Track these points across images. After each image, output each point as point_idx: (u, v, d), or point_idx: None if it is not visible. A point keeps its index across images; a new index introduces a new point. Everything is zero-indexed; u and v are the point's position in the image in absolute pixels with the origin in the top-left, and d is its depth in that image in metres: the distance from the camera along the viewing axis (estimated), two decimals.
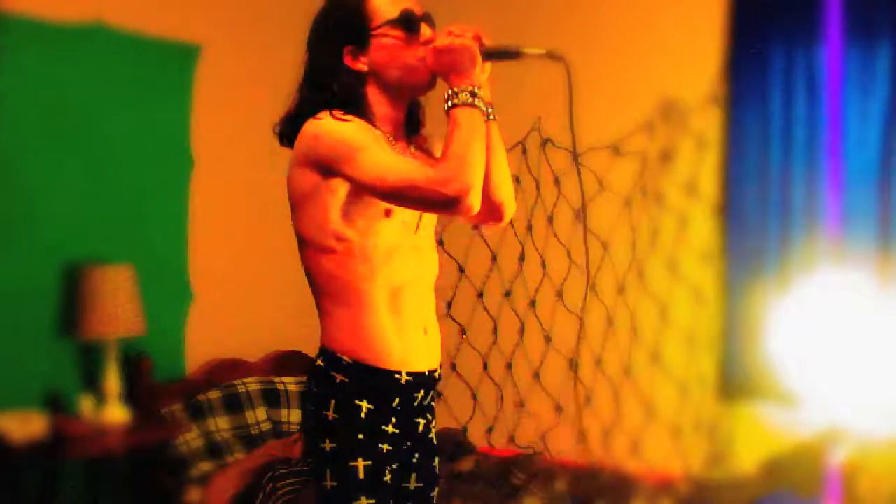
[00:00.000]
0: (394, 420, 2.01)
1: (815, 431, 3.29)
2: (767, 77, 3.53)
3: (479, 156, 1.88)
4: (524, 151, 4.05)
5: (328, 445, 1.97)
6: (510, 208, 2.17)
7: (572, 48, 3.97)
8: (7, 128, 3.24)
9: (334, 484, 1.96)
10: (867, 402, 3.27)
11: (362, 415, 1.97)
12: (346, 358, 1.98)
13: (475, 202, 1.87)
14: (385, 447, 1.99)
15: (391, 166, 1.87)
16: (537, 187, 4.04)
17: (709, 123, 3.72)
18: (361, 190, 1.91)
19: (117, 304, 3.27)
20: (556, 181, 3.99)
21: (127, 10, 3.51)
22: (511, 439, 4.12)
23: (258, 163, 3.82)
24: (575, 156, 2.23)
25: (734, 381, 3.62)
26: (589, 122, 3.86)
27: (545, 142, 4.00)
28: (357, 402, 1.97)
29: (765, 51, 3.53)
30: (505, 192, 2.14)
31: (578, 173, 2.27)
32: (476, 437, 4.13)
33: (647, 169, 3.85)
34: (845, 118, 3.38)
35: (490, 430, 4.18)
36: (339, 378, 1.98)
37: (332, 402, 1.97)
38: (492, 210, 2.11)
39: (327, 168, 1.91)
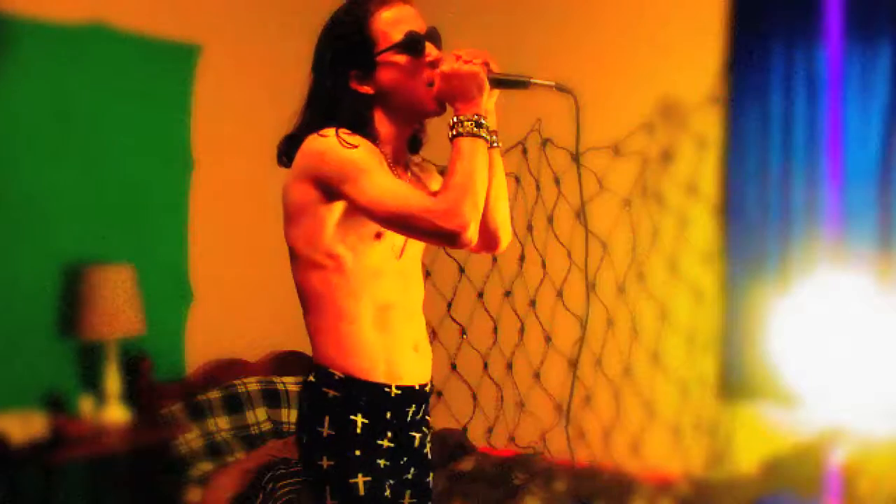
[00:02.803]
0: (389, 434, 2.01)
1: (815, 431, 3.29)
2: (767, 77, 3.53)
3: (479, 189, 1.88)
4: (524, 151, 4.05)
5: (325, 463, 1.96)
6: (506, 237, 2.16)
7: (573, 48, 4.01)
8: (7, 128, 3.24)
9: (335, 502, 1.96)
10: (867, 402, 3.27)
11: (357, 430, 1.97)
12: (337, 373, 1.97)
13: (473, 236, 1.87)
14: (382, 462, 1.99)
15: (392, 192, 1.87)
16: (537, 187, 4.04)
17: (709, 123, 3.72)
18: (359, 212, 1.90)
19: (117, 304, 3.27)
20: (557, 181, 3.99)
21: (127, 10, 3.51)
22: (511, 439, 4.12)
23: (258, 163, 3.81)
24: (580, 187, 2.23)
25: (734, 381, 3.62)
26: (589, 121, 3.89)
27: (545, 142, 4.01)
28: (351, 416, 1.96)
29: (765, 51, 3.53)
30: (501, 220, 2.13)
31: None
32: (476, 437, 4.13)
33: (647, 169, 3.85)
34: (845, 118, 3.38)
35: (490, 430, 4.19)
36: (331, 393, 1.97)
37: (327, 418, 1.97)
38: (487, 238, 2.11)
39: (328, 186, 1.90)
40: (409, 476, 2.08)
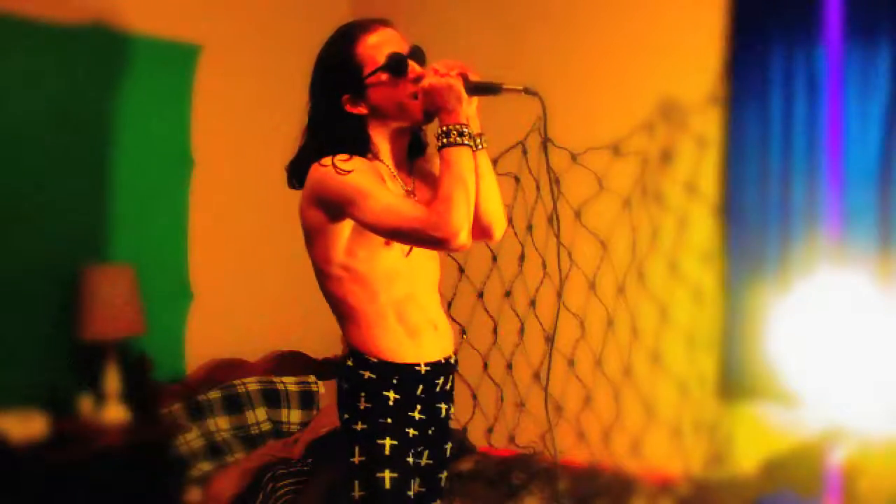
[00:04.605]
0: (419, 407, 2.21)
1: (815, 431, 3.29)
2: (767, 77, 3.53)
3: (468, 196, 2.04)
4: (524, 151, 4.05)
5: (359, 426, 2.17)
6: (500, 227, 2.35)
7: (573, 48, 4.01)
8: (7, 128, 3.24)
9: (362, 459, 2.16)
10: (867, 402, 3.27)
11: (390, 403, 2.17)
12: (372, 358, 2.17)
13: (465, 241, 2.04)
14: (411, 432, 2.20)
15: (390, 210, 2.04)
16: (537, 187, 4.04)
17: (709, 123, 3.71)
18: (365, 228, 2.09)
19: (117, 304, 3.28)
20: (557, 181, 3.99)
21: (127, 10, 3.51)
22: (511, 439, 4.12)
23: (258, 163, 3.84)
24: (553, 190, 2.24)
25: (734, 381, 3.62)
26: (589, 122, 3.90)
27: (545, 141, 4.00)
28: (385, 393, 2.17)
29: (765, 51, 3.53)
30: (494, 214, 2.31)
31: (555, 202, 2.27)
32: (476, 437, 4.13)
33: (647, 169, 3.85)
34: (845, 118, 3.37)
35: (490, 430, 4.18)
36: (367, 375, 2.17)
37: (363, 394, 2.17)
38: (483, 230, 2.30)
39: (333, 209, 2.09)
40: (432, 442, 2.28)
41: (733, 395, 3.63)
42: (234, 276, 3.92)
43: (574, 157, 3.86)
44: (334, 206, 2.07)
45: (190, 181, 3.77)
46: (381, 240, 2.13)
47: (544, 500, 3.30)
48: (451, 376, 2.30)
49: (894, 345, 3.26)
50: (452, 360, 2.30)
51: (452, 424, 2.32)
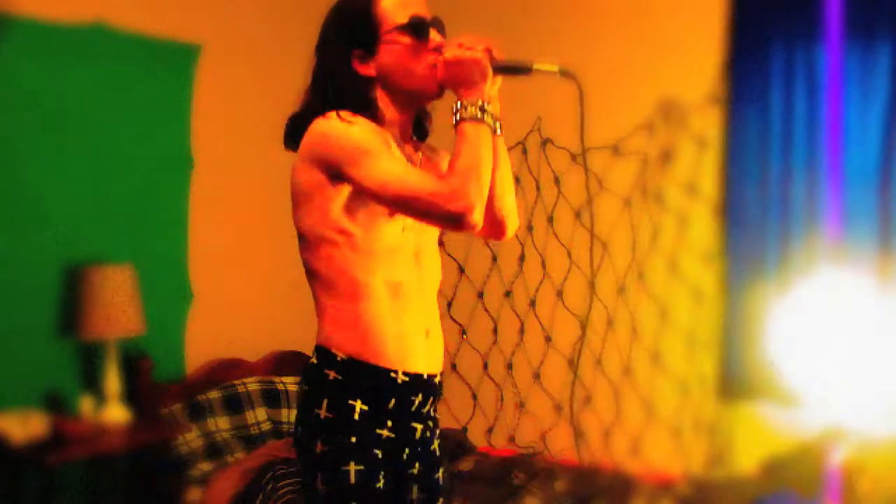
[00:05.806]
0: (389, 423, 1.96)
1: (815, 431, 3.29)
2: (767, 77, 3.53)
3: (484, 172, 1.87)
4: (524, 151, 4.05)
5: (319, 448, 1.93)
6: (513, 224, 2.16)
7: (573, 48, 4.01)
8: (7, 128, 3.24)
9: (325, 488, 1.92)
10: (867, 402, 3.27)
11: (355, 416, 1.92)
12: (340, 354, 1.93)
13: (478, 219, 1.85)
14: (379, 452, 1.94)
15: (396, 175, 1.86)
16: (537, 187, 4.04)
17: (709, 123, 3.72)
18: (364, 194, 1.89)
19: (117, 304, 3.27)
20: (556, 181, 3.99)
21: (127, 10, 3.51)
22: (511, 439, 4.12)
23: (258, 163, 3.83)
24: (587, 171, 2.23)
25: (734, 381, 3.62)
26: (589, 121, 3.89)
27: (545, 142, 4.01)
28: (350, 401, 1.92)
29: (765, 51, 3.53)
30: (508, 208, 2.13)
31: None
32: (476, 437, 4.13)
33: (647, 169, 3.85)
34: (845, 118, 3.38)
35: (490, 430, 4.19)
36: (332, 375, 1.93)
37: (325, 400, 1.93)
38: (494, 225, 2.11)
39: (332, 168, 1.89)
40: (415, 472, 2.04)
41: (733, 395, 3.63)
42: (234, 276, 3.92)
43: (574, 158, 3.86)
44: (334, 165, 1.87)
45: (190, 181, 3.77)
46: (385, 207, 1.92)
47: (544, 500, 3.30)
48: (431, 398, 2.03)
49: (894, 345, 3.26)
50: (437, 381, 2.04)
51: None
